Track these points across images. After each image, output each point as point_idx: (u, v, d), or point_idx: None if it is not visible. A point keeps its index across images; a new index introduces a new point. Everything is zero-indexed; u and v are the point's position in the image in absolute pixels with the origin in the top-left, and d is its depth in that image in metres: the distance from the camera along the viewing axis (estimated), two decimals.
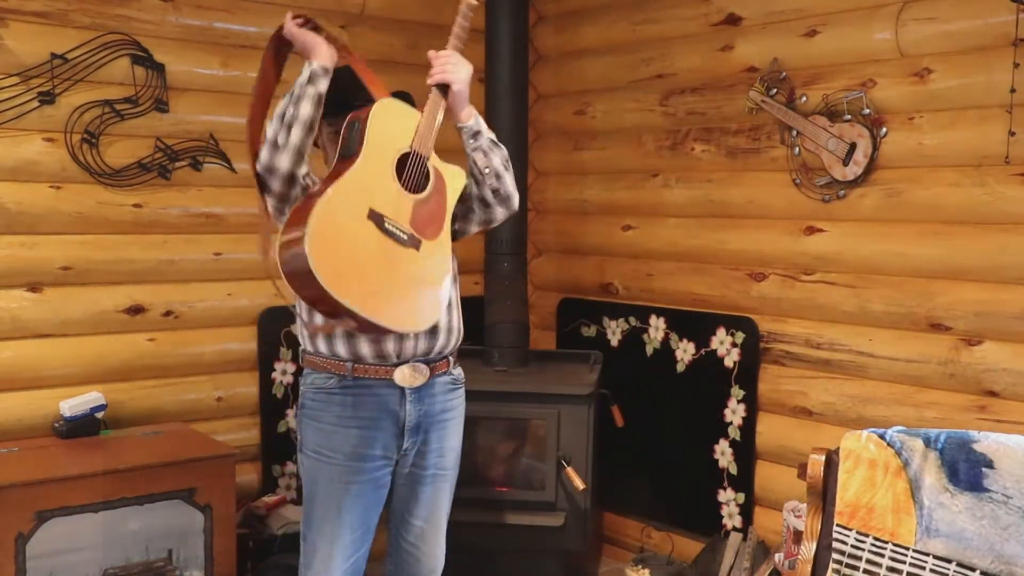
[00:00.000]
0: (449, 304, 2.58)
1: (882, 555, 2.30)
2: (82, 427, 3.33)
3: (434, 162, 2.49)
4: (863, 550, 2.32)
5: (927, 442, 2.35)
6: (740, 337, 3.66)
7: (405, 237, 2.41)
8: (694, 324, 3.84)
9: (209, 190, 3.68)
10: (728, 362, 3.71)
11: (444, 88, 2.50)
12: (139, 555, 3.06)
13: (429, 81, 2.50)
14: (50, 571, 2.91)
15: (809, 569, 2.43)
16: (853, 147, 3.26)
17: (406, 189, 2.43)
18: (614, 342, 4.14)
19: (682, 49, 3.84)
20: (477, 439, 3.77)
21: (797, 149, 3.44)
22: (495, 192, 2.59)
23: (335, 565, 2.55)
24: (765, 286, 3.61)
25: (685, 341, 3.87)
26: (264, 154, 2.41)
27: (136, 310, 3.56)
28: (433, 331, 2.54)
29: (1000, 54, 2.90)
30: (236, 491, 3.28)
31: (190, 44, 3.59)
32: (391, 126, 2.45)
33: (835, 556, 2.36)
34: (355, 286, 2.33)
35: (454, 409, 2.68)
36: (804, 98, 3.40)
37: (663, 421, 3.94)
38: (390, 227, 2.40)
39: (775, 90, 3.48)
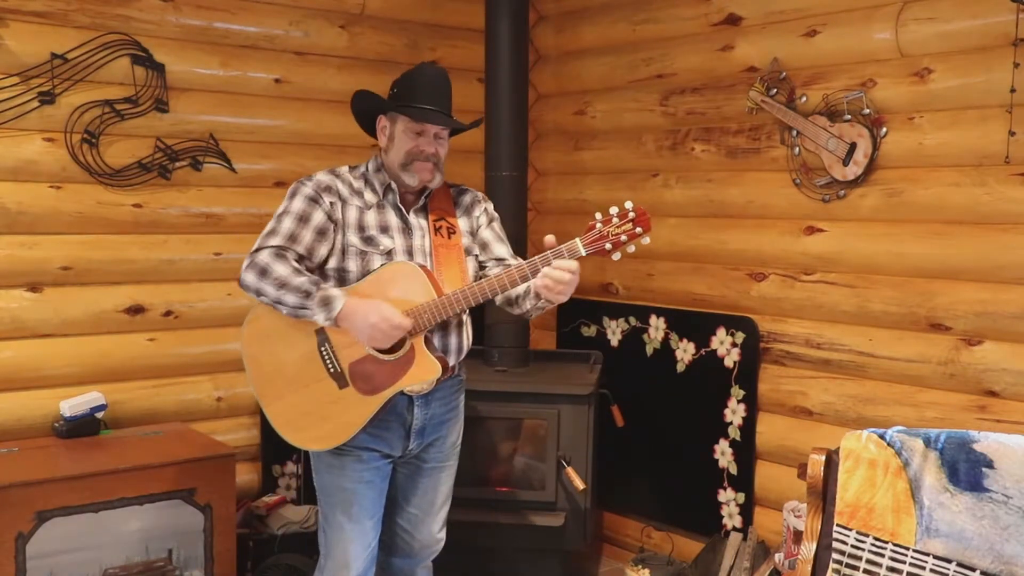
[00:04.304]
0: (460, 324, 2.64)
1: (882, 555, 2.30)
2: (82, 427, 3.33)
3: (420, 345, 2.46)
4: (863, 550, 2.32)
5: (927, 442, 2.35)
6: (740, 337, 3.66)
7: (333, 370, 2.49)
8: (694, 324, 3.84)
9: (209, 190, 3.68)
10: (728, 362, 3.71)
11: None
12: (139, 555, 3.06)
13: (537, 287, 2.38)
14: (50, 571, 2.91)
15: (809, 569, 2.43)
16: (853, 147, 3.26)
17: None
18: (614, 342, 4.14)
19: (682, 49, 3.84)
20: (477, 439, 3.77)
21: (797, 149, 3.44)
22: (521, 315, 2.62)
23: (356, 552, 2.61)
24: (765, 286, 3.61)
25: (685, 341, 3.87)
26: (247, 280, 2.48)
27: (136, 310, 3.56)
28: (444, 353, 2.60)
29: (1000, 54, 2.90)
30: (236, 491, 3.28)
31: (190, 44, 3.59)
32: (400, 284, 2.46)
33: (835, 556, 2.36)
34: (261, 370, 2.56)
35: (457, 407, 2.77)
36: (804, 98, 3.40)
37: (663, 421, 3.94)
38: (326, 351, 2.50)
39: (775, 90, 3.48)
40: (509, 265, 2.62)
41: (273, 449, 3.84)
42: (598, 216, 2.38)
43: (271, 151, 3.82)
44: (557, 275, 2.35)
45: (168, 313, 3.63)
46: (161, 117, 3.54)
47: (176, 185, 3.61)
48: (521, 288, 2.54)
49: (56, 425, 3.33)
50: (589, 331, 4.25)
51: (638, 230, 2.36)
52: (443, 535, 2.83)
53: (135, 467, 3.05)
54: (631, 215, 2.36)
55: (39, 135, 3.32)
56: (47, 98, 3.31)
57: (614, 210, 2.38)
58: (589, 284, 4.30)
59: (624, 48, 4.06)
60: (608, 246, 2.36)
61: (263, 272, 2.44)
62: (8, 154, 3.27)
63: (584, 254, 2.38)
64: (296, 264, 2.48)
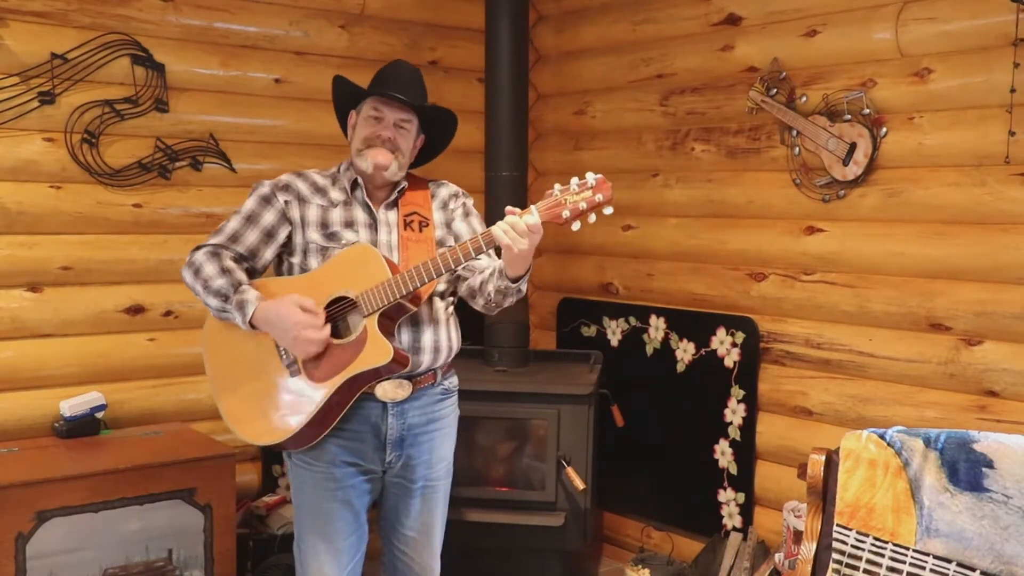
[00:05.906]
0: (436, 322, 2.54)
1: (882, 555, 2.30)
2: (82, 427, 3.33)
3: (372, 326, 2.38)
4: (863, 550, 2.32)
5: (927, 442, 2.35)
6: (740, 337, 3.66)
7: (286, 358, 2.45)
8: (694, 324, 3.84)
9: (209, 190, 3.68)
10: (728, 362, 3.71)
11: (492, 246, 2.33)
12: (139, 555, 3.06)
13: (496, 235, 2.29)
14: (50, 571, 2.91)
15: (809, 569, 2.43)
16: (853, 147, 3.26)
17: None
18: (614, 342, 4.14)
19: (682, 49, 3.84)
20: (477, 439, 3.77)
21: (797, 149, 3.44)
22: (484, 306, 2.55)
23: (331, 573, 2.54)
24: (765, 286, 3.61)
25: (685, 341, 3.87)
26: (184, 277, 2.51)
27: (136, 310, 3.56)
28: (416, 351, 2.50)
29: (1000, 54, 2.90)
30: (236, 491, 3.28)
31: (190, 44, 3.59)
32: (355, 267, 2.41)
33: (835, 556, 2.36)
34: (217, 361, 2.55)
35: (443, 419, 2.63)
36: (804, 98, 3.40)
37: (663, 421, 3.94)
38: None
39: (775, 90, 3.48)
40: (481, 259, 2.53)
41: (273, 449, 3.83)
42: (557, 186, 2.33)
43: (271, 151, 3.82)
44: (513, 220, 2.28)
45: (168, 313, 3.63)
46: (161, 117, 3.54)
47: (176, 185, 3.61)
48: (486, 274, 2.48)
49: (56, 425, 3.33)
50: (589, 331, 4.25)
51: (598, 197, 2.29)
52: (437, 564, 2.71)
53: (135, 467, 3.05)
54: (590, 184, 2.31)
55: (39, 135, 3.32)
56: (47, 98, 3.31)
57: (575, 180, 2.32)
58: (589, 284, 4.30)
59: (624, 48, 4.06)
60: (566, 213, 2.29)
61: (196, 271, 2.46)
62: (8, 154, 3.27)
63: (536, 215, 2.29)
64: (230, 264, 2.46)
